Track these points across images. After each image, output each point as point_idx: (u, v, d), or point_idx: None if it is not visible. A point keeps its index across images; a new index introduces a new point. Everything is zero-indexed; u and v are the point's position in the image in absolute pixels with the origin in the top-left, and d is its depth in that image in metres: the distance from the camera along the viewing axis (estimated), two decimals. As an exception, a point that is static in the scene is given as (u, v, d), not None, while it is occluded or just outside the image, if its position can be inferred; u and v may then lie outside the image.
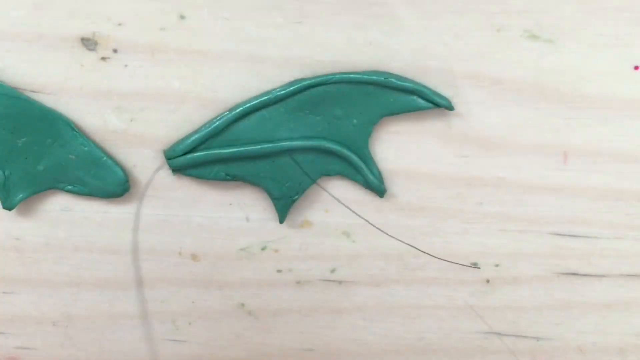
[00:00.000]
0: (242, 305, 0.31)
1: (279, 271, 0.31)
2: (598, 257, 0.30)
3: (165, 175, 0.30)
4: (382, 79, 0.28)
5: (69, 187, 0.29)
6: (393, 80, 0.28)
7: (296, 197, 0.29)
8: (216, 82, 0.29)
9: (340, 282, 0.31)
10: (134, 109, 0.29)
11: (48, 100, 0.29)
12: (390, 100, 0.28)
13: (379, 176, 0.29)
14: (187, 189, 0.30)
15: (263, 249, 0.31)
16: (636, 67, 0.28)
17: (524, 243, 0.30)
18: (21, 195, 0.29)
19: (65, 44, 0.29)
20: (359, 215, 0.29)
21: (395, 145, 0.29)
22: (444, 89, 0.29)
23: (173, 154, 0.29)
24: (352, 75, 0.28)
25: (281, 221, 0.30)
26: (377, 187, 0.29)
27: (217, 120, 0.29)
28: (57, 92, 0.29)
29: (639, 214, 0.30)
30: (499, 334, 0.31)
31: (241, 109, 0.28)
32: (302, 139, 0.29)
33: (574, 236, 0.30)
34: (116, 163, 0.29)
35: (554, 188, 0.30)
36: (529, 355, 0.31)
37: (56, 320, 0.32)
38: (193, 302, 0.31)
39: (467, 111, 0.29)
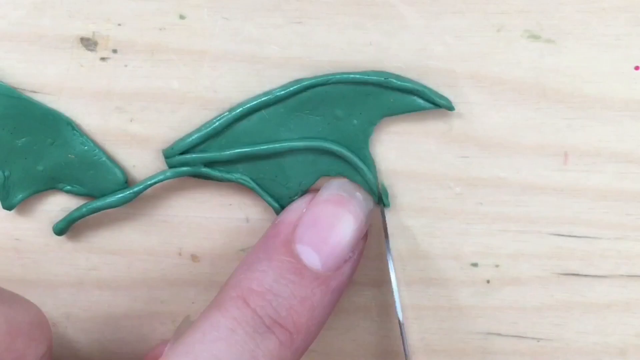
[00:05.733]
0: (242, 305, 0.31)
1: (279, 271, 0.31)
2: (598, 257, 0.30)
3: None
4: (382, 79, 0.28)
5: (68, 187, 0.29)
6: (393, 80, 0.28)
7: (296, 197, 0.29)
8: (216, 82, 0.29)
9: (340, 283, 0.31)
10: (134, 109, 0.29)
11: (48, 100, 0.29)
12: (390, 101, 0.28)
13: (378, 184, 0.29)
14: (187, 189, 0.30)
15: (263, 249, 0.31)
16: (636, 67, 0.28)
17: (525, 243, 0.30)
18: (21, 195, 0.29)
19: (65, 44, 0.29)
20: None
21: (396, 145, 0.29)
22: (444, 89, 0.29)
23: (172, 152, 0.29)
24: (352, 76, 0.28)
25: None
26: (377, 187, 0.29)
27: (217, 121, 0.29)
28: (57, 92, 0.29)
29: (640, 215, 0.30)
30: (499, 334, 0.31)
31: (241, 109, 0.28)
32: (302, 140, 0.29)
33: (575, 237, 0.30)
34: (115, 163, 0.29)
35: (554, 188, 0.29)
36: (529, 356, 0.31)
37: (56, 320, 0.32)
38: (193, 302, 0.31)
39: (467, 111, 0.29)
